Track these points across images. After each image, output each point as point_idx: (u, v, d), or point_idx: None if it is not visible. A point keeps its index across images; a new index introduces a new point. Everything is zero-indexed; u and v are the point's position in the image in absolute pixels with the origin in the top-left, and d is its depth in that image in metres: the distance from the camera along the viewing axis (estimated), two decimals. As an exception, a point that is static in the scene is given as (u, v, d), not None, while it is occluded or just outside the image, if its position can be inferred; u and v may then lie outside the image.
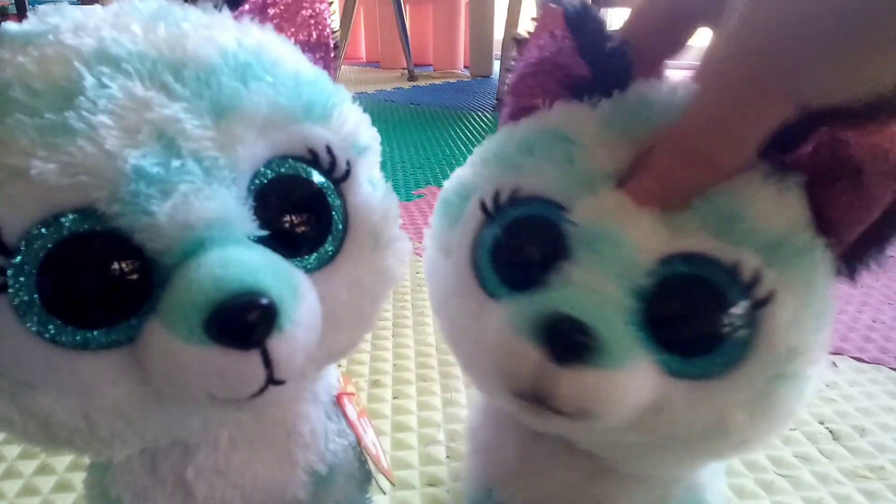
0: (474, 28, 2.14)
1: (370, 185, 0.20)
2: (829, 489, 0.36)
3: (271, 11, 0.20)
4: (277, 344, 0.15)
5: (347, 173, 0.19)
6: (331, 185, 0.18)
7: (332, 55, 0.22)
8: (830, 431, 0.41)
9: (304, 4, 0.21)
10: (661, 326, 0.17)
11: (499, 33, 1.78)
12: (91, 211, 0.15)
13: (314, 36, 0.21)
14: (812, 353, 0.17)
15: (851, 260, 0.18)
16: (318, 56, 0.21)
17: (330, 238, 0.18)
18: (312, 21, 0.21)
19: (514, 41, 0.19)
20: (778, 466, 0.38)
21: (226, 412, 0.19)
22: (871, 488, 0.36)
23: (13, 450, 0.38)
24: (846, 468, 0.38)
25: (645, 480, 0.21)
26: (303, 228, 0.18)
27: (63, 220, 0.15)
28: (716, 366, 0.17)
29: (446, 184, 0.21)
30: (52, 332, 0.15)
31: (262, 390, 0.16)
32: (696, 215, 0.17)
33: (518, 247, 0.19)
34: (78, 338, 0.15)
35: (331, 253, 0.18)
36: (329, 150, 0.18)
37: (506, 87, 0.20)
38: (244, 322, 0.15)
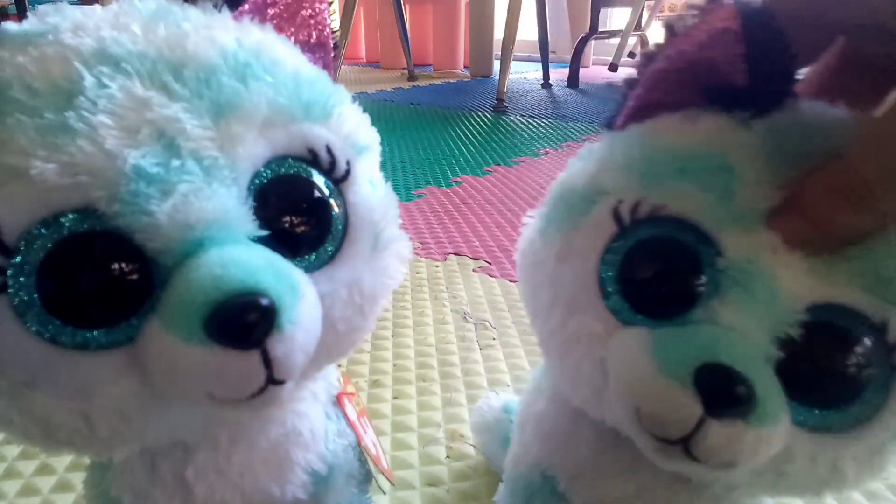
0: (474, 28, 2.14)
1: (370, 185, 0.20)
2: (829, 489, 0.36)
3: (271, 11, 0.20)
4: (277, 344, 0.15)
5: (347, 173, 0.19)
6: (331, 184, 0.18)
7: (332, 55, 0.22)
8: (830, 431, 0.41)
9: (304, 4, 0.21)
10: (799, 377, 0.16)
11: (499, 33, 1.78)
12: (91, 211, 0.15)
13: (314, 36, 0.21)
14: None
15: None
16: (318, 56, 0.21)
17: (330, 238, 0.18)
18: (312, 21, 0.21)
19: (665, 27, 0.17)
20: (778, 466, 0.38)
21: (226, 412, 0.19)
22: (871, 488, 0.36)
23: (13, 450, 0.38)
24: (846, 468, 0.38)
25: (730, 499, 0.20)
26: (302, 228, 0.18)
27: (63, 220, 0.15)
28: (844, 422, 0.17)
29: (567, 176, 0.19)
30: (52, 332, 0.15)
31: (261, 390, 0.16)
32: (850, 265, 0.16)
33: (654, 269, 0.17)
34: (78, 338, 0.15)
35: (330, 253, 0.18)
36: (329, 150, 0.18)
37: (635, 77, 0.18)
38: (244, 322, 0.15)
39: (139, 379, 0.16)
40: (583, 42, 1.96)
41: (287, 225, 0.18)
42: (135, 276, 0.15)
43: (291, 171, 0.18)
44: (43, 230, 0.15)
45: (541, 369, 0.24)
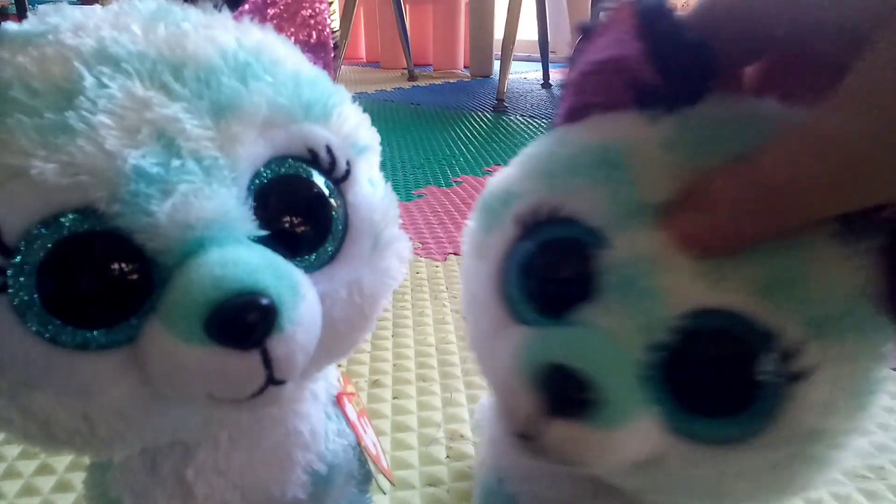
0: (474, 28, 2.14)
1: (370, 185, 0.20)
2: (829, 489, 0.36)
3: (271, 11, 0.20)
4: (277, 344, 0.15)
5: (347, 173, 0.19)
6: (331, 184, 0.18)
7: (332, 55, 0.22)
8: (830, 431, 0.41)
9: (304, 4, 0.21)
10: (681, 384, 0.15)
11: (499, 33, 1.78)
12: (91, 211, 0.15)
13: (314, 36, 0.21)
14: (839, 438, 0.16)
15: None
16: (318, 56, 0.21)
17: (330, 238, 0.18)
18: (312, 21, 0.21)
19: (580, 29, 0.17)
20: (778, 466, 0.38)
21: (226, 412, 0.19)
22: (871, 488, 0.36)
23: (13, 450, 0.38)
24: (846, 468, 0.38)
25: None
26: (302, 228, 0.18)
27: (63, 220, 0.15)
28: (726, 433, 0.16)
29: (490, 183, 0.20)
30: (52, 332, 0.15)
31: (262, 390, 0.16)
32: (743, 268, 0.15)
33: (547, 270, 0.17)
34: (78, 338, 0.15)
35: (330, 253, 0.18)
36: (329, 150, 0.18)
37: (565, 82, 0.18)
38: (244, 322, 0.15)
39: (139, 379, 0.16)
40: (583, 42, 1.96)
41: (287, 225, 0.18)
42: (135, 277, 0.15)
43: (291, 172, 0.18)
44: (43, 230, 0.15)
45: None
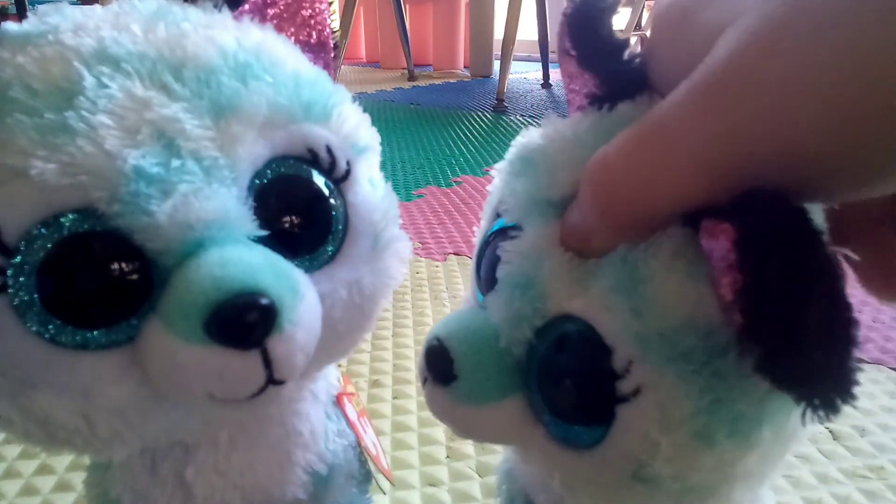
0: (474, 28, 2.14)
1: (370, 185, 0.20)
2: (829, 489, 0.36)
3: (271, 11, 0.20)
4: (277, 344, 0.15)
5: (347, 173, 0.19)
6: (331, 184, 0.18)
7: (332, 55, 0.21)
8: (830, 431, 0.41)
9: (304, 4, 0.21)
10: (538, 379, 0.16)
11: (499, 33, 1.78)
12: (91, 211, 0.15)
13: (314, 36, 0.21)
14: (677, 480, 0.15)
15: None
16: (318, 56, 0.21)
17: (330, 238, 0.18)
18: (312, 21, 0.21)
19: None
20: (778, 466, 0.38)
21: (226, 412, 0.19)
22: (871, 488, 0.36)
23: (13, 450, 0.38)
24: (846, 468, 0.38)
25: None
26: (303, 228, 0.18)
27: (63, 220, 0.15)
28: (573, 437, 0.16)
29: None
30: (52, 332, 0.15)
31: (261, 390, 0.16)
32: (601, 276, 0.15)
33: (486, 256, 0.18)
34: (78, 338, 0.15)
35: (330, 253, 0.18)
36: (329, 150, 0.18)
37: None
38: (244, 322, 0.15)
39: (139, 379, 0.16)
40: (583, 42, 1.96)
41: (287, 225, 0.18)
42: (135, 277, 0.15)
43: (292, 172, 0.18)
44: (43, 230, 0.15)
45: None
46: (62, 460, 0.37)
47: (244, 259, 0.15)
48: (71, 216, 0.15)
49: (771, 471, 0.16)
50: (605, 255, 0.15)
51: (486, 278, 0.18)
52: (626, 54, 0.16)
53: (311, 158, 0.18)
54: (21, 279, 0.15)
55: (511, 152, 0.18)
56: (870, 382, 0.46)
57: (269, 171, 0.17)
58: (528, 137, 0.18)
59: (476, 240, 0.20)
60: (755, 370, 0.13)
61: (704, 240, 0.13)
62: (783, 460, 0.16)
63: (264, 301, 0.15)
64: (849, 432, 0.41)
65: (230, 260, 0.15)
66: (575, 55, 0.16)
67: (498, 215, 0.18)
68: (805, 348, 0.12)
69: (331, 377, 0.25)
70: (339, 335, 0.19)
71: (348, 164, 0.19)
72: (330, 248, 0.18)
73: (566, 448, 0.16)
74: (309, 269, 0.18)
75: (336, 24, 0.22)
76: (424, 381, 0.18)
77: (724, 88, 0.12)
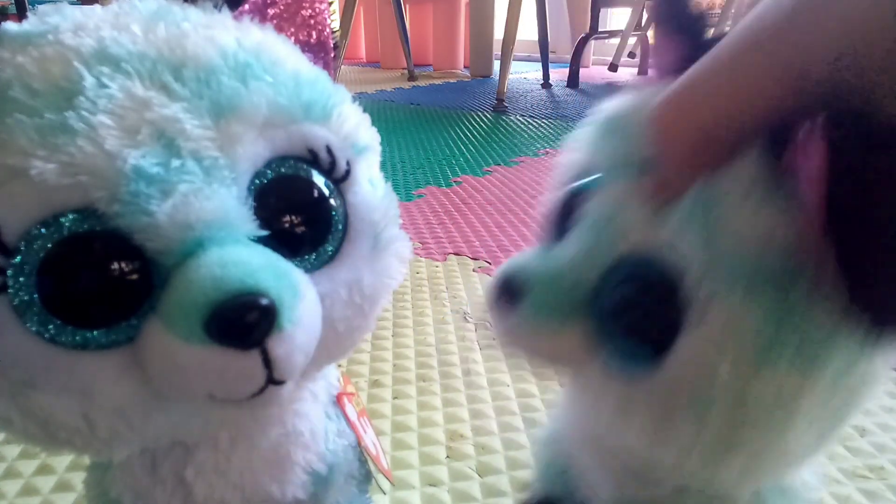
0: (474, 28, 2.14)
1: (370, 185, 0.20)
2: (829, 489, 0.36)
3: (271, 11, 0.20)
4: (277, 344, 0.15)
5: (347, 173, 0.19)
6: (331, 184, 0.18)
7: (332, 55, 0.21)
8: (830, 431, 0.41)
9: (304, 4, 0.21)
10: (607, 309, 0.17)
11: (499, 33, 1.77)
12: (91, 211, 0.15)
13: (314, 36, 0.21)
14: (737, 395, 0.16)
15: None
16: (318, 56, 0.21)
17: (330, 238, 0.18)
18: (312, 21, 0.21)
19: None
20: (778, 466, 0.38)
21: (226, 412, 0.19)
22: (871, 488, 0.36)
23: (13, 450, 0.38)
24: (846, 468, 0.38)
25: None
26: (303, 228, 0.18)
27: (63, 220, 0.15)
28: (634, 365, 0.17)
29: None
30: (52, 332, 0.15)
31: (261, 390, 0.16)
32: (680, 209, 0.16)
33: (565, 208, 0.20)
34: (77, 338, 0.15)
35: (330, 253, 0.18)
36: (329, 150, 0.18)
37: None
38: (244, 322, 0.15)
39: (139, 379, 0.16)
40: (583, 42, 1.95)
41: (287, 225, 0.18)
42: (134, 277, 0.15)
43: (292, 172, 0.18)
44: (43, 230, 0.15)
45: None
46: (62, 460, 0.37)
47: (244, 259, 0.15)
48: (71, 216, 0.15)
49: (829, 431, 0.16)
50: (686, 187, 0.16)
51: (559, 231, 0.19)
52: (706, 28, 0.18)
53: (311, 158, 0.18)
54: (21, 279, 0.15)
55: (597, 118, 0.20)
56: (870, 382, 0.46)
57: (269, 171, 0.17)
58: (615, 104, 0.19)
59: (548, 206, 0.21)
60: (835, 291, 0.13)
61: (797, 157, 0.14)
62: (841, 426, 0.17)
63: (264, 301, 0.15)
64: (849, 432, 0.41)
65: (230, 260, 0.15)
66: (662, 28, 0.18)
67: (576, 180, 0.19)
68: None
69: (331, 377, 0.25)
70: (339, 335, 0.19)
71: (348, 164, 0.19)
72: (330, 248, 0.18)
73: (624, 375, 0.17)
74: (309, 269, 0.18)
75: (336, 24, 0.22)
76: (492, 309, 0.19)
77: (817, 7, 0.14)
